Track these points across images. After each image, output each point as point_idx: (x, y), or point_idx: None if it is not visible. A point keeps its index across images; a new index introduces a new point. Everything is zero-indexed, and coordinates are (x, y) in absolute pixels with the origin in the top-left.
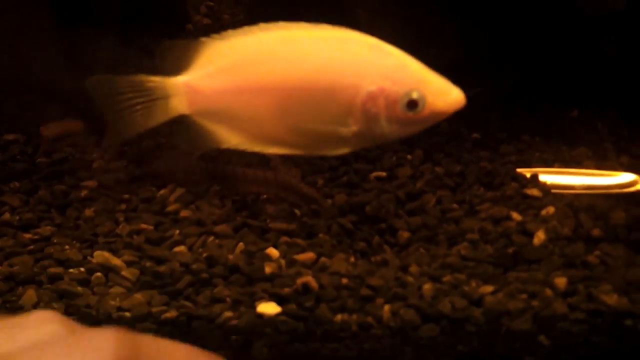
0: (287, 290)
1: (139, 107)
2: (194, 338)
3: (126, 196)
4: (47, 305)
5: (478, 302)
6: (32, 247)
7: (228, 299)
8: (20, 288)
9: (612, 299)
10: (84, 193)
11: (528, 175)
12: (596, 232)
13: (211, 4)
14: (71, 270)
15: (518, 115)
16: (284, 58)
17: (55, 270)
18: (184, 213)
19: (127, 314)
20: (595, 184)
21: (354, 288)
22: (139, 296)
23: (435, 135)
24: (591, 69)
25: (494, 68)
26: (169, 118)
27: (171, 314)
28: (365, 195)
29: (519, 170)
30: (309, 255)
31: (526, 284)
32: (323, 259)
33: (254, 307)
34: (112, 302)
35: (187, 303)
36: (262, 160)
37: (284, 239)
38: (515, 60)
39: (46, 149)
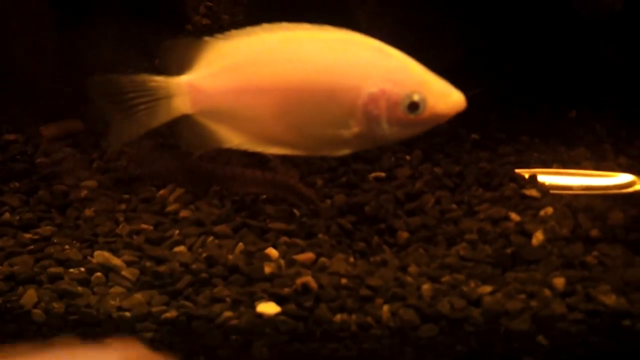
0: (286, 290)
1: (142, 107)
2: (193, 338)
3: (126, 196)
4: (48, 305)
5: (477, 302)
6: (32, 247)
7: (228, 299)
8: (21, 288)
9: (610, 299)
10: (83, 193)
11: (527, 175)
12: (594, 232)
13: (210, 4)
14: (71, 270)
15: (517, 116)
16: (286, 59)
17: (55, 270)
18: (184, 213)
19: (127, 314)
20: (593, 184)
21: (353, 288)
22: (139, 296)
23: (434, 136)
24: (590, 70)
25: (493, 69)
26: (172, 118)
27: (171, 313)
28: (365, 195)
29: (517, 170)
30: (308, 256)
31: (525, 284)
32: (322, 259)
33: (254, 307)
34: (112, 302)
35: (187, 303)
36: (262, 160)
37: (284, 239)
38: (514, 62)
39: (46, 149)
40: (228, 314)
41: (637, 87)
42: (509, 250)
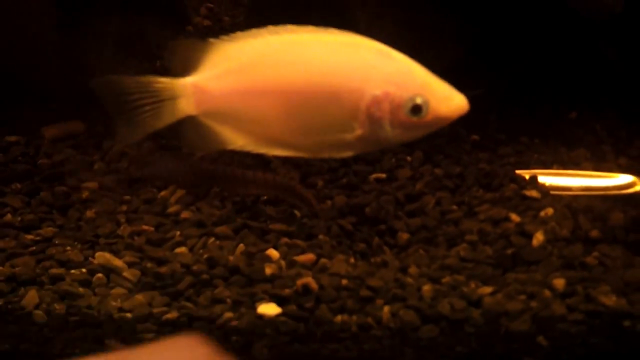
0: (287, 291)
1: (146, 108)
2: None
3: (127, 197)
4: (49, 307)
5: (477, 303)
6: (33, 248)
7: (228, 300)
8: (22, 289)
9: (610, 300)
10: (85, 194)
11: (527, 176)
12: (594, 233)
13: (211, 6)
14: (72, 271)
15: (517, 117)
16: (291, 61)
17: (56, 271)
18: (185, 214)
19: (128, 315)
20: (593, 185)
21: (353, 289)
22: (140, 297)
23: (434, 137)
24: (590, 71)
25: (493, 70)
26: (177, 119)
27: (172, 314)
28: (365, 196)
29: (517, 171)
30: (309, 257)
31: (525, 285)
32: (323, 260)
33: (255, 308)
34: (114, 303)
35: (188, 304)
36: (263, 161)
37: (284, 240)
38: (514, 62)
39: (47, 150)
40: (229, 314)
41: (637, 88)
42: (509, 251)
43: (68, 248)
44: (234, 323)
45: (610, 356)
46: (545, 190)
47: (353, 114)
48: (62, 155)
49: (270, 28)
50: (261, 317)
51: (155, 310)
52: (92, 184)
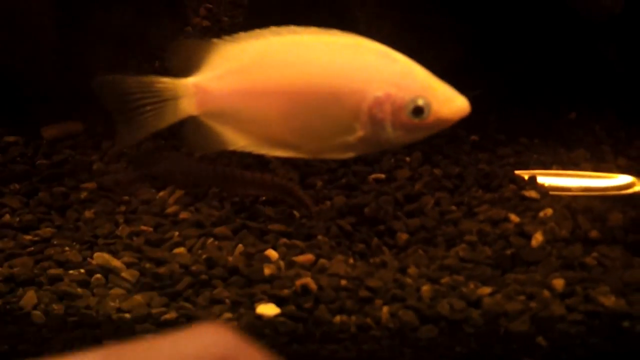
0: (286, 291)
1: (148, 107)
2: None
3: (126, 198)
4: (47, 307)
5: (476, 303)
6: (32, 248)
7: (227, 300)
8: (21, 289)
9: (609, 301)
10: (83, 195)
11: (526, 177)
12: (594, 233)
13: (210, 6)
14: (71, 271)
15: (516, 117)
16: (293, 62)
17: (55, 271)
18: (184, 215)
19: (127, 316)
20: (592, 186)
21: (352, 289)
22: (138, 297)
23: (433, 138)
24: (589, 72)
25: (492, 70)
26: (179, 119)
27: (171, 315)
28: (364, 197)
29: (517, 172)
30: (307, 257)
31: (524, 285)
32: (322, 260)
33: (254, 309)
34: (112, 304)
35: (187, 304)
36: (262, 162)
37: (283, 240)
38: (514, 63)
39: (46, 150)
40: (228, 315)
41: (636, 89)
42: (508, 252)
43: (66, 248)
44: (233, 323)
45: (609, 356)
46: (544, 190)
47: (355, 115)
48: (61, 155)
49: (273, 29)
50: (260, 317)
51: (154, 311)
52: (91, 185)
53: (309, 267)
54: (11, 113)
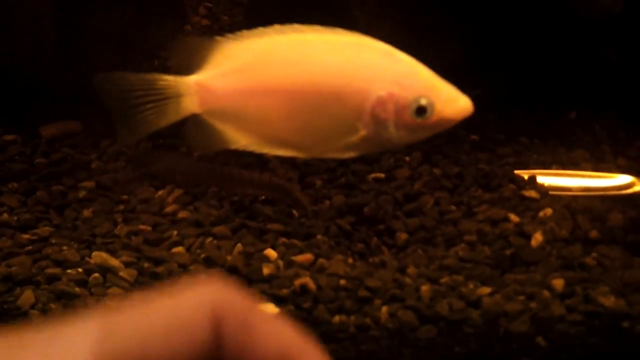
0: (285, 291)
1: (150, 105)
2: None
3: (124, 197)
4: (45, 306)
5: (476, 303)
6: (30, 247)
7: None
8: (18, 289)
9: (609, 301)
10: (82, 194)
11: (526, 177)
12: (594, 234)
13: (210, 5)
14: (69, 271)
15: (516, 117)
16: (296, 61)
17: (53, 270)
18: (182, 214)
19: None
20: (592, 185)
21: (351, 289)
22: None
23: (433, 137)
24: (589, 71)
25: (492, 70)
26: (181, 118)
27: None
28: (363, 196)
29: (516, 172)
30: (306, 257)
31: (524, 285)
32: (321, 260)
33: None
34: (110, 303)
35: None
36: (262, 161)
37: (282, 240)
38: (513, 62)
39: (44, 149)
40: None
41: (636, 89)
42: (508, 252)
43: (64, 248)
44: None
45: (609, 357)
46: (544, 190)
47: (357, 115)
48: (60, 154)
49: (276, 27)
50: None
51: None
52: (89, 184)
53: (308, 267)
54: (9, 111)
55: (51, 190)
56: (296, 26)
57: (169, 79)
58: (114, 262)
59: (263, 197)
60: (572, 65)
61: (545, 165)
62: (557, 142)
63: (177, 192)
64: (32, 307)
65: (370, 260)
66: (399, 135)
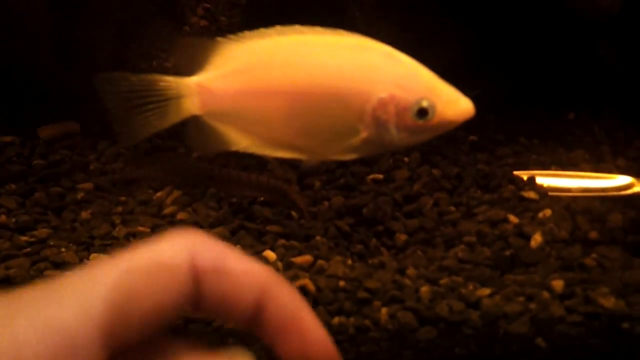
0: None
1: (150, 106)
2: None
3: (123, 198)
4: None
5: (475, 304)
6: (28, 249)
7: None
8: None
9: (609, 302)
10: (80, 195)
11: (525, 177)
12: (593, 234)
13: (208, 6)
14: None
15: (515, 117)
16: (297, 62)
17: (51, 272)
18: (181, 215)
19: None
20: (592, 186)
21: (351, 291)
22: None
23: (432, 138)
24: (588, 72)
25: (491, 71)
26: (182, 119)
27: None
28: (362, 197)
29: (516, 172)
30: (306, 258)
31: (523, 286)
32: (320, 261)
33: None
34: None
35: None
36: (260, 162)
37: (281, 241)
38: (512, 63)
39: (43, 151)
40: None
41: (635, 89)
42: (507, 253)
43: (63, 249)
44: (230, 325)
45: (609, 358)
46: (543, 191)
47: (359, 117)
48: (58, 155)
49: (278, 28)
50: None
51: None
52: (88, 185)
53: (307, 268)
54: (7, 113)
55: (49, 192)
56: (297, 27)
57: (170, 80)
58: None
59: (262, 199)
60: (571, 65)
61: (545, 165)
62: (556, 143)
63: (176, 193)
64: None
65: (370, 261)
66: (400, 137)
